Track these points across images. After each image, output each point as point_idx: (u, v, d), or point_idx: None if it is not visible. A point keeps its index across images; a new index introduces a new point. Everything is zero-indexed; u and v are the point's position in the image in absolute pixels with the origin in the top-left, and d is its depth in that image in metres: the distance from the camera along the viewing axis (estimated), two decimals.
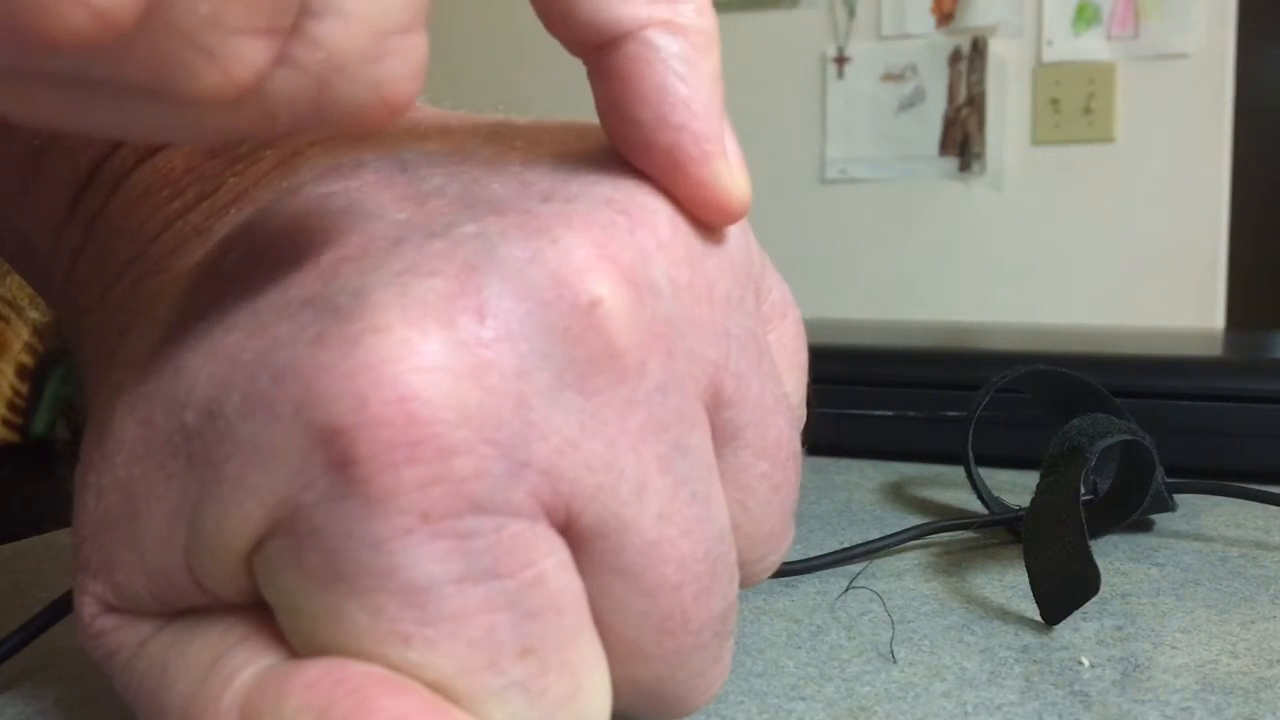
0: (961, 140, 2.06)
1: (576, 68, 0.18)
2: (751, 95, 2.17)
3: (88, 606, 0.18)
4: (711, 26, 0.18)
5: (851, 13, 2.11)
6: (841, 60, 2.13)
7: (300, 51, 0.14)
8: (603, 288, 0.16)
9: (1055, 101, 2.01)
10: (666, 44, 0.18)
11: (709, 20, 0.18)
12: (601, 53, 0.18)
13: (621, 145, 0.18)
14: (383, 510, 0.15)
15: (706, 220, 0.19)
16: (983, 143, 2.05)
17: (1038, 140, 2.03)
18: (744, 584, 0.20)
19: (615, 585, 0.17)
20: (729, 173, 0.18)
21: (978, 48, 2.03)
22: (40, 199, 0.23)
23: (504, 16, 2.19)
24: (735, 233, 0.19)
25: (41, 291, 0.26)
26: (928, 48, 2.07)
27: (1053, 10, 2.00)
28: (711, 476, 0.18)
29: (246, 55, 0.13)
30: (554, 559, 0.16)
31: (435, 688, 0.16)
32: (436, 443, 0.15)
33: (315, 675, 0.16)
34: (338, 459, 0.15)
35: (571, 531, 0.16)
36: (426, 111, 0.21)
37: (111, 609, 0.18)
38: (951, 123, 2.07)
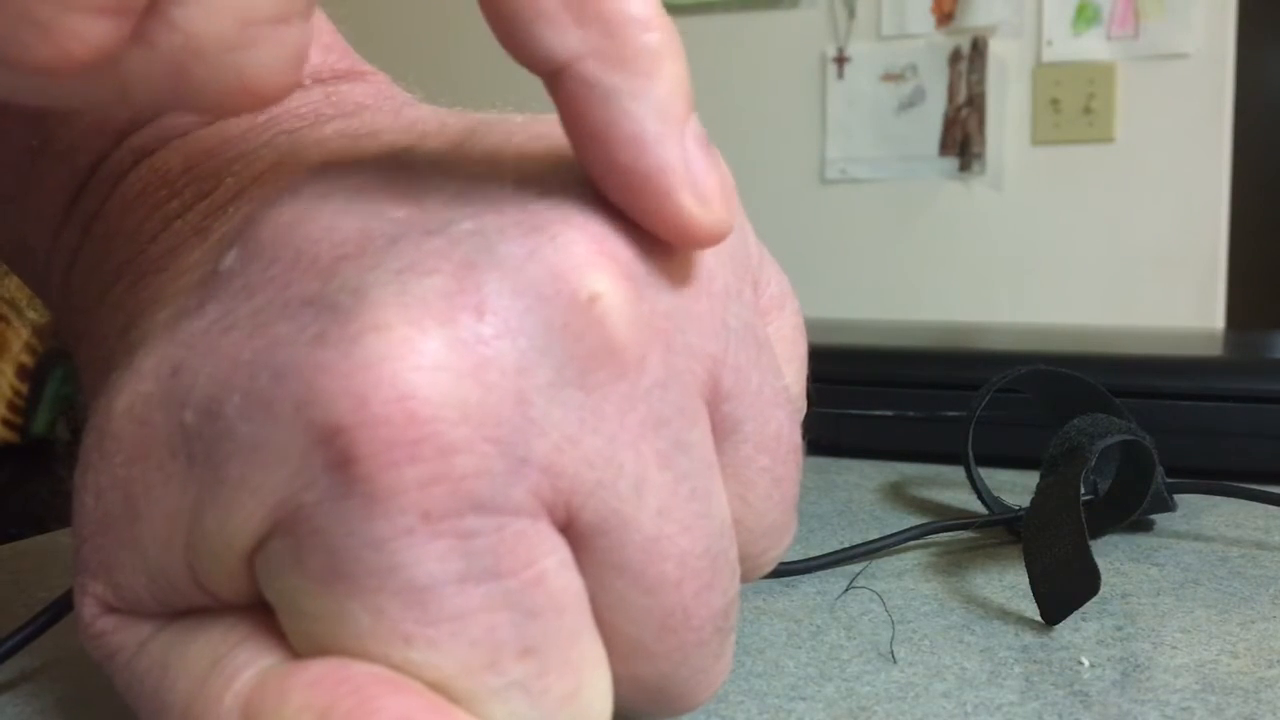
0: (961, 140, 2.06)
1: None
2: (751, 95, 2.17)
3: (88, 607, 0.18)
4: (659, 43, 0.16)
5: (851, 13, 2.11)
6: (841, 60, 2.13)
7: (157, 32, 0.13)
8: (601, 283, 0.16)
9: (1055, 101, 2.01)
10: (603, 77, 0.16)
11: (656, 37, 0.16)
12: (548, 86, 0.17)
13: (592, 179, 0.17)
14: (384, 509, 0.15)
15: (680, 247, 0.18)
16: (983, 143, 2.05)
17: (1038, 140, 2.03)
18: (746, 578, 0.20)
19: (616, 582, 0.17)
20: (693, 202, 0.17)
21: (978, 48, 2.03)
22: (38, 200, 0.23)
23: None
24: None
25: (39, 293, 0.26)
26: (928, 48, 2.07)
27: (1053, 10, 2.00)
28: (712, 472, 0.18)
29: (86, 33, 0.13)
30: (555, 558, 0.16)
31: (436, 687, 0.16)
32: (437, 441, 0.15)
33: (317, 675, 0.16)
34: (338, 458, 0.15)
35: (571, 529, 0.16)
36: (423, 110, 0.21)
37: (112, 610, 0.18)
38: (951, 123, 2.07)
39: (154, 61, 0.13)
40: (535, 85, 0.17)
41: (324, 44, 0.23)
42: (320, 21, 0.24)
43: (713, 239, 0.17)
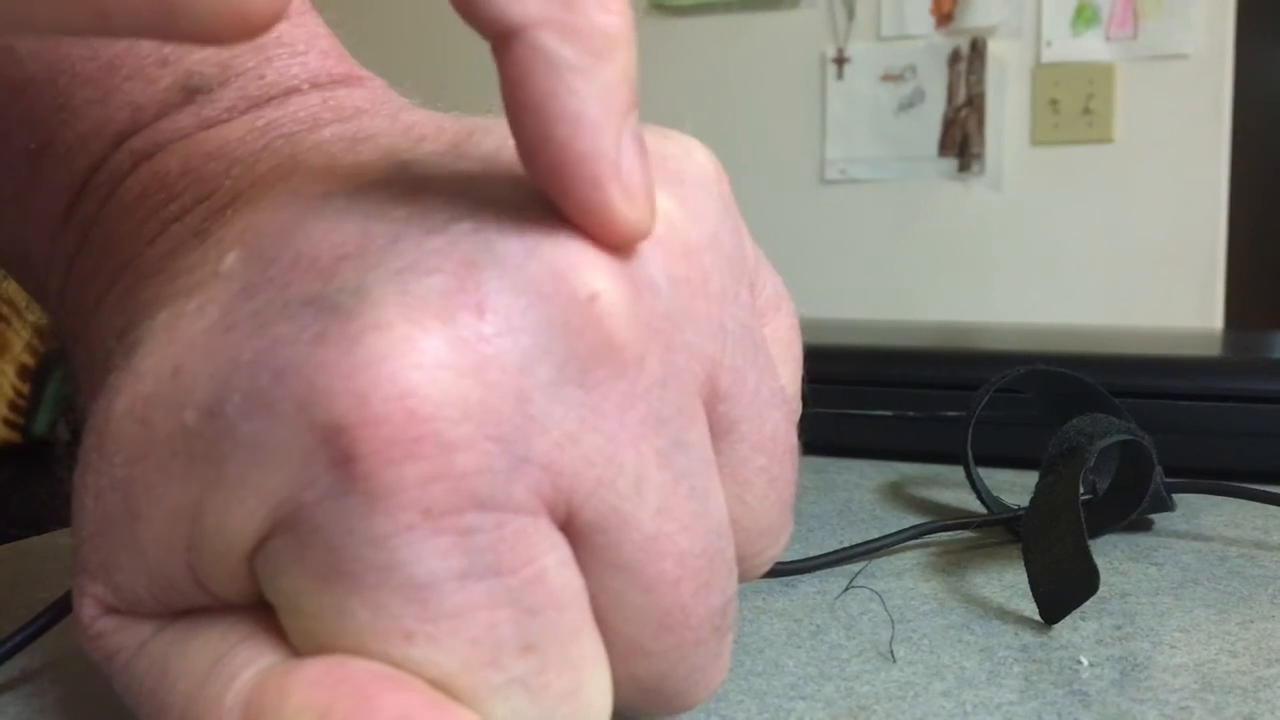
0: (961, 141, 2.06)
1: None
2: (751, 95, 2.17)
3: (87, 608, 0.18)
4: (617, 26, 0.16)
5: (851, 13, 2.11)
6: (841, 60, 2.13)
7: None
8: (601, 282, 0.16)
9: (1054, 102, 2.01)
10: (555, 49, 0.16)
11: (614, 19, 0.16)
12: (495, 50, 0.16)
13: (520, 155, 0.17)
14: (384, 507, 0.15)
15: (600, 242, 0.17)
16: (982, 143, 2.05)
17: (1037, 141, 2.03)
18: (742, 578, 0.20)
19: (615, 581, 0.17)
20: (620, 197, 0.16)
21: (977, 48, 2.03)
22: (36, 204, 0.23)
23: None
24: (729, 227, 0.19)
25: (37, 296, 0.26)
26: (927, 48, 2.07)
27: (1052, 10, 2.00)
28: (710, 471, 0.18)
29: None
30: (555, 555, 0.16)
31: (437, 685, 0.16)
32: (437, 439, 0.15)
33: (317, 673, 0.16)
34: (339, 456, 0.15)
35: (571, 527, 0.16)
36: (420, 114, 0.21)
37: (111, 610, 0.18)
38: (951, 123, 2.07)
39: None
40: None
41: (321, 49, 0.23)
42: (317, 27, 0.24)
43: (630, 238, 0.17)
